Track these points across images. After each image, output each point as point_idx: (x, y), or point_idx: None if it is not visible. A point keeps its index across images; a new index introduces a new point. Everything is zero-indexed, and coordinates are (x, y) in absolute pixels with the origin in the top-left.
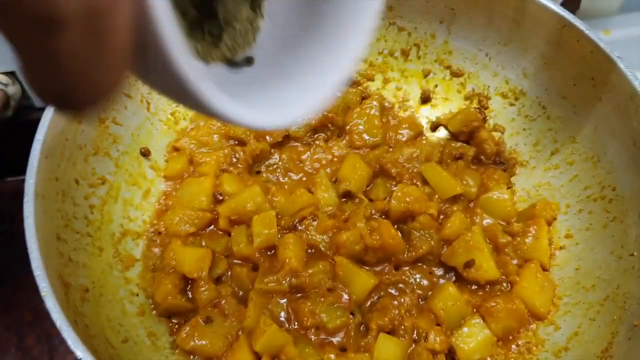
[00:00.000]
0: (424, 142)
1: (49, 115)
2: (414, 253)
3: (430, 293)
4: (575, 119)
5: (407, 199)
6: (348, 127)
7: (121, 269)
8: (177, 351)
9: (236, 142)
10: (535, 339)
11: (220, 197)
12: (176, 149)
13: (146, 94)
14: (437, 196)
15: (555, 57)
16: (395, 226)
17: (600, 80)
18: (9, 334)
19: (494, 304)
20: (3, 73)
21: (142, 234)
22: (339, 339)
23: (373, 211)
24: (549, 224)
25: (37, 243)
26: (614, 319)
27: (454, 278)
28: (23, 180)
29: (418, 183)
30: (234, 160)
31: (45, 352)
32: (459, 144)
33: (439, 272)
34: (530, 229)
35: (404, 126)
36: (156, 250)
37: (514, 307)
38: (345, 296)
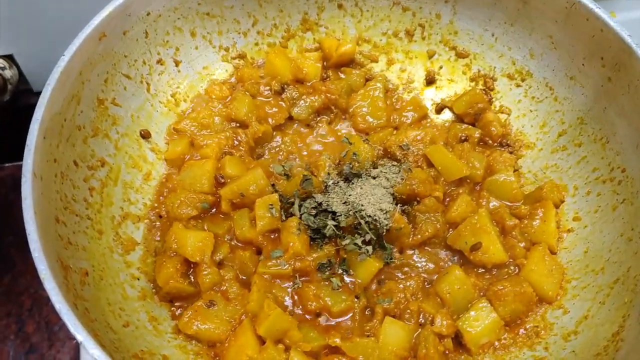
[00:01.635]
0: (428, 124)
1: (47, 95)
2: (419, 236)
3: (436, 276)
4: (583, 99)
5: (412, 182)
6: (351, 109)
7: (122, 252)
8: (179, 336)
9: (238, 125)
10: (544, 322)
11: (222, 180)
12: (177, 131)
13: (146, 75)
14: (442, 179)
15: (564, 37)
16: (400, 209)
17: (610, 59)
18: (8, 321)
19: (501, 287)
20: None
21: (142, 217)
22: (344, 323)
23: None
24: (557, 206)
25: (36, 225)
26: (624, 302)
27: (460, 261)
28: (19, 167)
29: (423, 165)
30: (236, 143)
31: (45, 339)
32: (464, 125)
33: (444, 255)
34: (538, 211)
35: (408, 108)
36: (157, 233)
37: (521, 291)
38: (350, 280)
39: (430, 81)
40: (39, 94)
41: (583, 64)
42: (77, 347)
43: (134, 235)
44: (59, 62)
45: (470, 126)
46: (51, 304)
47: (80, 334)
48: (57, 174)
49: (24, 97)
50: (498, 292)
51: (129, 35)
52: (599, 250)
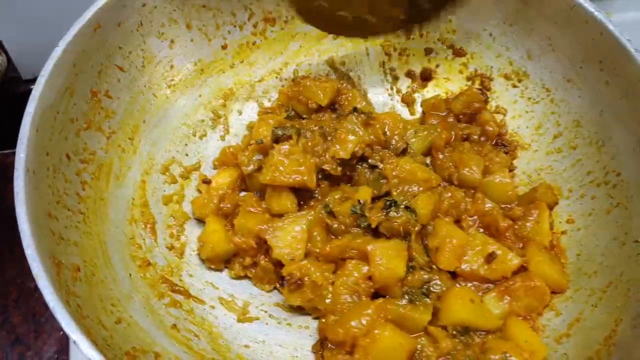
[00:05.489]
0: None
1: (40, 87)
2: None
3: None
4: (579, 102)
5: None
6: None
7: None
8: (171, 331)
9: None
10: (535, 324)
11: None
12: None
13: (140, 67)
14: None
15: (562, 39)
16: None
17: (608, 63)
18: None
19: (512, 282)
20: None
21: None
22: None
23: None
24: (551, 208)
25: (29, 221)
26: (617, 306)
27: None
28: (7, 155)
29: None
30: None
31: (31, 330)
32: (463, 125)
33: None
34: (532, 212)
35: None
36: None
37: (532, 285)
38: None
39: (426, 79)
40: (27, 81)
41: (581, 67)
42: (63, 339)
43: None
44: (53, 53)
45: (469, 125)
46: (37, 296)
47: (74, 333)
48: (49, 168)
49: (12, 84)
50: (509, 288)
51: (124, 27)
52: (592, 253)
